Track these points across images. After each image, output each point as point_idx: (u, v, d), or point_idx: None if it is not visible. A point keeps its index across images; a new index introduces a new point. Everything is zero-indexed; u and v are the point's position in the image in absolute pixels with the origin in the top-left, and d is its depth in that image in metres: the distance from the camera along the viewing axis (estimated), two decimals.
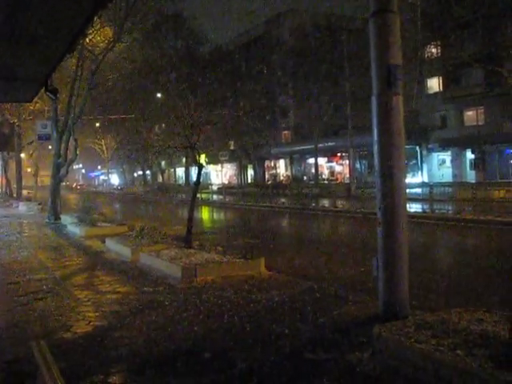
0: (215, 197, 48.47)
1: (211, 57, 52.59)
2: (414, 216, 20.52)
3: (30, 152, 50.85)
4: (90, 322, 7.22)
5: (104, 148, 79.78)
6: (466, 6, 29.52)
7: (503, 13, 24.13)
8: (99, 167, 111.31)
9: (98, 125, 52.06)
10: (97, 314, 7.65)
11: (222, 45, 59.80)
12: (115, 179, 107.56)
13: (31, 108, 35.72)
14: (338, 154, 56.50)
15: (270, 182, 63.94)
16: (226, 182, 72.79)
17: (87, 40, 22.72)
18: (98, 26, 22.51)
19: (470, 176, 42.82)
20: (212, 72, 35.34)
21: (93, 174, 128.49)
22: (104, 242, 15.46)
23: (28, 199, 42.10)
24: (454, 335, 4.91)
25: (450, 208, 23.19)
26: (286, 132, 64.41)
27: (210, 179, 73.77)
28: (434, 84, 46.80)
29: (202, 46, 57.23)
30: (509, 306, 4.48)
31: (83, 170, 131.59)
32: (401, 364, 4.91)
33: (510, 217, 17.17)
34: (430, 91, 47.17)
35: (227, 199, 43.32)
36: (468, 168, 44.37)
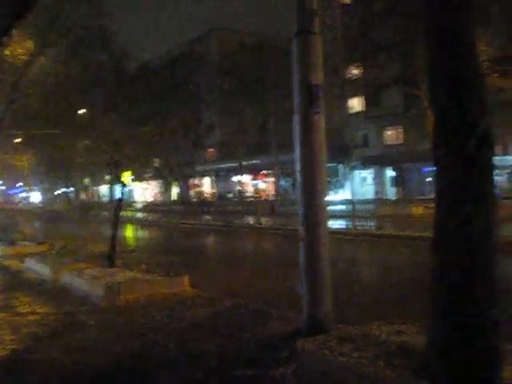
0: (139, 214, 47.77)
1: (136, 73, 52.02)
2: (336, 232, 20.95)
3: None
4: (5, 345, 6.91)
5: (26, 164, 77.11)
6: (384, 30, 30.59)
7: (418, 39, 25.11)
8: (20, 184, 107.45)
9: (17, 140, 50.25)
10: (13, 337, 7.33)
11: (147, 62, 59.26)
12: (37, 197, 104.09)
13: None
14: (263, 172, 56.99)
15: (195, 200, 63.82)
16: (151, 200, 71.98)
17: (7, 52, 21.97)
18: (19, 38, 21.80)
19: (391, 193, 44.18)
20: (136, 89, 35.00)
21: (12, 192, 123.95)
22: (23, 261, 14.94)
23: None
24: (375, 347, 5.03)
25: (371, 224, 23.79)
26: (211, 150, 64.39)
27: (133, 197, 72.69)
28: (356, 104, 48.14)
29: (127, 62, 56.51)
30: (425, 318, 4.63)
31: (3, 187, 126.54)
32: (324, 377, 4.97)
33: (427, 232, 17.77)
34: (352, 110, 48.49)
35: (151, 217, 42.82)
36: (389, 185, 45.75)
